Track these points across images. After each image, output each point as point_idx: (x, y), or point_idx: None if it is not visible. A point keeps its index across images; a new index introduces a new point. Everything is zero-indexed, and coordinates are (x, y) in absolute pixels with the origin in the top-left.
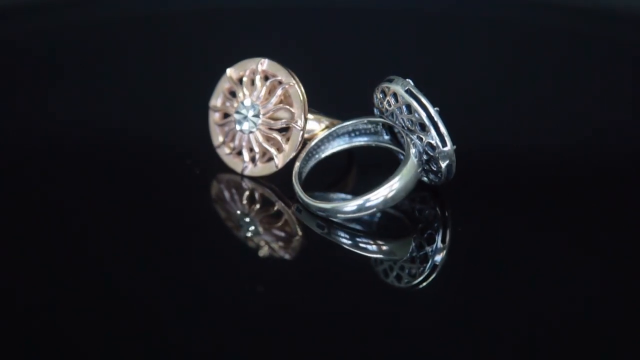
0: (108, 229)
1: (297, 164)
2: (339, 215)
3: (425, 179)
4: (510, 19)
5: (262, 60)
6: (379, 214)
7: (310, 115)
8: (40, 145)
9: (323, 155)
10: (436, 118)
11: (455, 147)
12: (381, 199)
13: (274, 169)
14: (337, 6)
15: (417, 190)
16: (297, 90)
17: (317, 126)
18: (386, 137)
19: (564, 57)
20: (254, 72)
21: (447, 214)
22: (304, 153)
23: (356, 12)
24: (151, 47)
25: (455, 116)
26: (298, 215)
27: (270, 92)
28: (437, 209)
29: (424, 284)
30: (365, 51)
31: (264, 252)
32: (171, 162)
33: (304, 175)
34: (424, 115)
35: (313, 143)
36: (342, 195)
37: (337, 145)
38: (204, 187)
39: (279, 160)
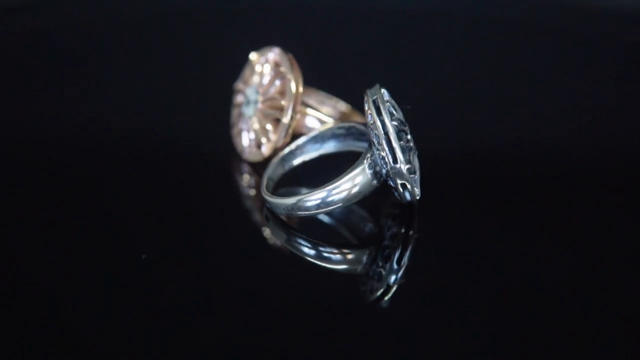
0: (116, 224)
1: (282, 153)
2: (299, 212)
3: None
4: (507, 18)
5: (275, 48)
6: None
7: (326, 118)
8: (45, 143)
9: (296, 160)
10: (391, 133)
11: (409, 167)
12: (344, 193)
13: (259, 157)
14: (346, 6)
15: (394, 206)
16: (292, 83)
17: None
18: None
19: (556, 55)
20: (267, 60)
21: (410, 233)
22: (285, 151)
23: (361, 12)
24: (158, 46)
25: (448, 117)
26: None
27: (274, 81)
28: (404, 226)
29: (381, 301)
30: (376, 52)
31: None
32: (176, 156)
33: (280, 173)
34: (379, 127)
35: (288, 149)
36: (307, 190)
37: (312, 150)
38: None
39: (266, 149)
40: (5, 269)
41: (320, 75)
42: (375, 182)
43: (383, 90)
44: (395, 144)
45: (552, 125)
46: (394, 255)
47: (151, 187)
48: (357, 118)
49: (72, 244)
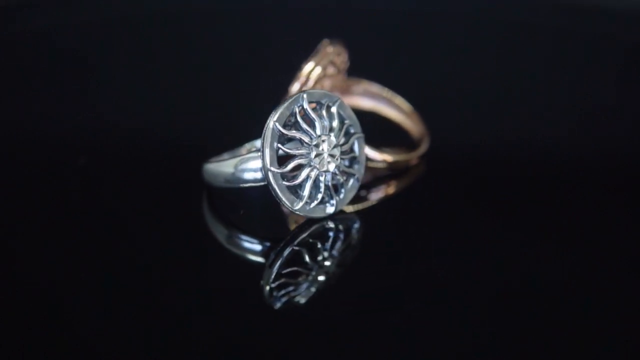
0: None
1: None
2: (241, 185)
3: None
4: (507, 18)
5: (328, 42)
6: None
7: None
8: (45, 143)
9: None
10: (267, 131)
11: (273, 170)
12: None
13: None
14: (346, 5)
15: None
16: (302, 68)
17: None
18: None
19: (556, 55)
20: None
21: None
22: (256, 143)
23: (361, 12)
24: (158, 46)
25: (448, 117)
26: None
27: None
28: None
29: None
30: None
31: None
32: (176, 156)
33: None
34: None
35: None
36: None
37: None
38: None
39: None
40: (5, 269)
41: None
42: (260, 174)
43: (300, 96)
44: (266, 144)
45: (552, 125)
46: (271, 255)
47: (151, 187)
48: (415, 117)
49: (72, 244)
